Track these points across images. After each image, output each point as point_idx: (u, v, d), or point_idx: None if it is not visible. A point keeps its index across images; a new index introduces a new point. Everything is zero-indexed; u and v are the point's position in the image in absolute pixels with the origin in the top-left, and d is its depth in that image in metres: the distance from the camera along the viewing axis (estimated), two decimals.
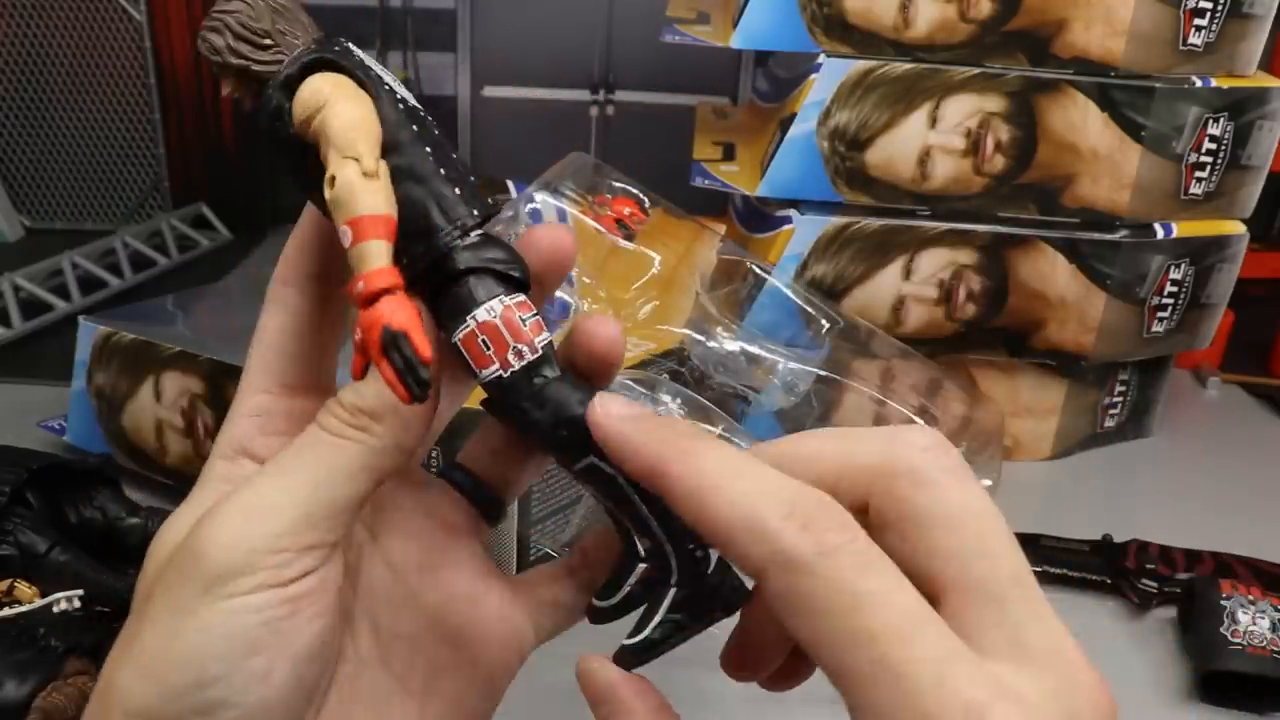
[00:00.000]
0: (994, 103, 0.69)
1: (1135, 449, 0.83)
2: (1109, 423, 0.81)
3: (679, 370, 0.62)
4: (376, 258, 0.25)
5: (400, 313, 0.25)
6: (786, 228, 0.71)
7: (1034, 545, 0.65)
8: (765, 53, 0.98)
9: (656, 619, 0.27)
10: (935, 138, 0.69)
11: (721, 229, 0.73)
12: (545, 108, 1.13)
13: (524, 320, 0.27)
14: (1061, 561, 0.64)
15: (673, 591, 0.27)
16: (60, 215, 1.12)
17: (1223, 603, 0.57)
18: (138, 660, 0.25)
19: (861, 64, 0.68)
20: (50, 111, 1.08)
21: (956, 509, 0.23)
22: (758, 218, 0.75)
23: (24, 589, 0.50)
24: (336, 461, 0.26)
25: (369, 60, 0.27)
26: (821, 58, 0.68)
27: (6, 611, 0.49)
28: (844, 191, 0.71)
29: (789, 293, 0.68)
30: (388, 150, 0.26)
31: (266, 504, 0.25)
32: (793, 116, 0.69)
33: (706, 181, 0.73)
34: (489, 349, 0.26)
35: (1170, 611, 0.62)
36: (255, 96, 0.27)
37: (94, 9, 1.04)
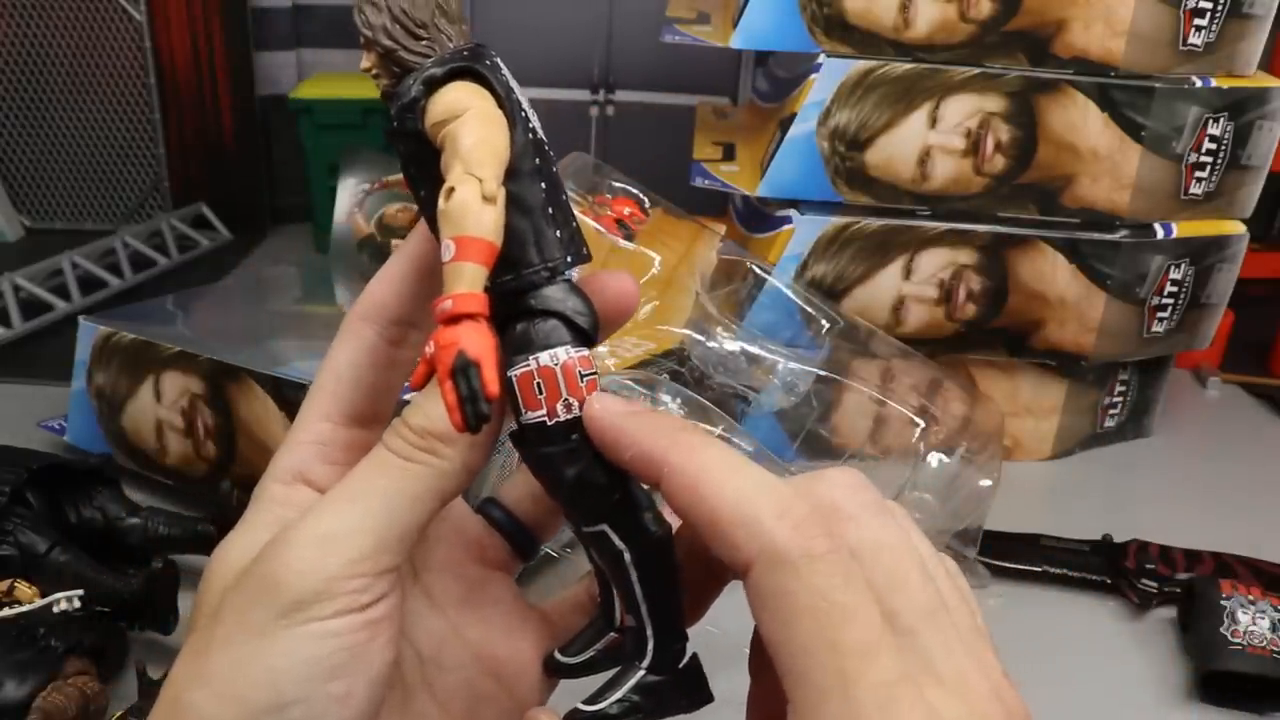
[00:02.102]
0: (994, 103, 0.69)
1: (1135, 449, 0.83)
2: (1109, 423, 0.81)
3: (679, 370, 0.62)
4: (471, 281, 0.24)
5: (478, 342, 0.24)
6: (786, 228, 0.71)
7: (1034, 545, 0.65)
8: (765, 53, 0.98)
9: (617, 695, 0.27)
10: (935, 138, 0.69)
11: (721, 229, 0.73)
12: (545, 108, 1.13)
13: (582, 376, 0.27)
14: (1061, 561, 0.63)
15: (640, 674, 0.27)
16: (60, 215, 1.12)
17: (1223, 603, 0.57)
18: (212, 681, 0.25)
19: (861, 64, 0.68)
20: (50, 111, 1.08)
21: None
22: (758, 218, 0.75)
23: (24, 589, 0.50)
24: (406, 485, 0.26)
25: (512, 81, 0.27)
26: (821, 58, 0.68)
27: (6, 611, 0.49)
28: (844, 191, 0.71)
29: (789, 293, 0.68)
30: (507, 176, 0.25)
31: (342, 530, 0.26)
32: (793, 116, 0.69)
33: (706, 181, 0.73)
34: (541, 393, 0.26)
35: (1170, 611, 0.62)
36: (393, 81, 0.27)
37: (94, 9, 1.04)
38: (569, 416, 0.26)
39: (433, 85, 0.26)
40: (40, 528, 0.53)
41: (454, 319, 0.24)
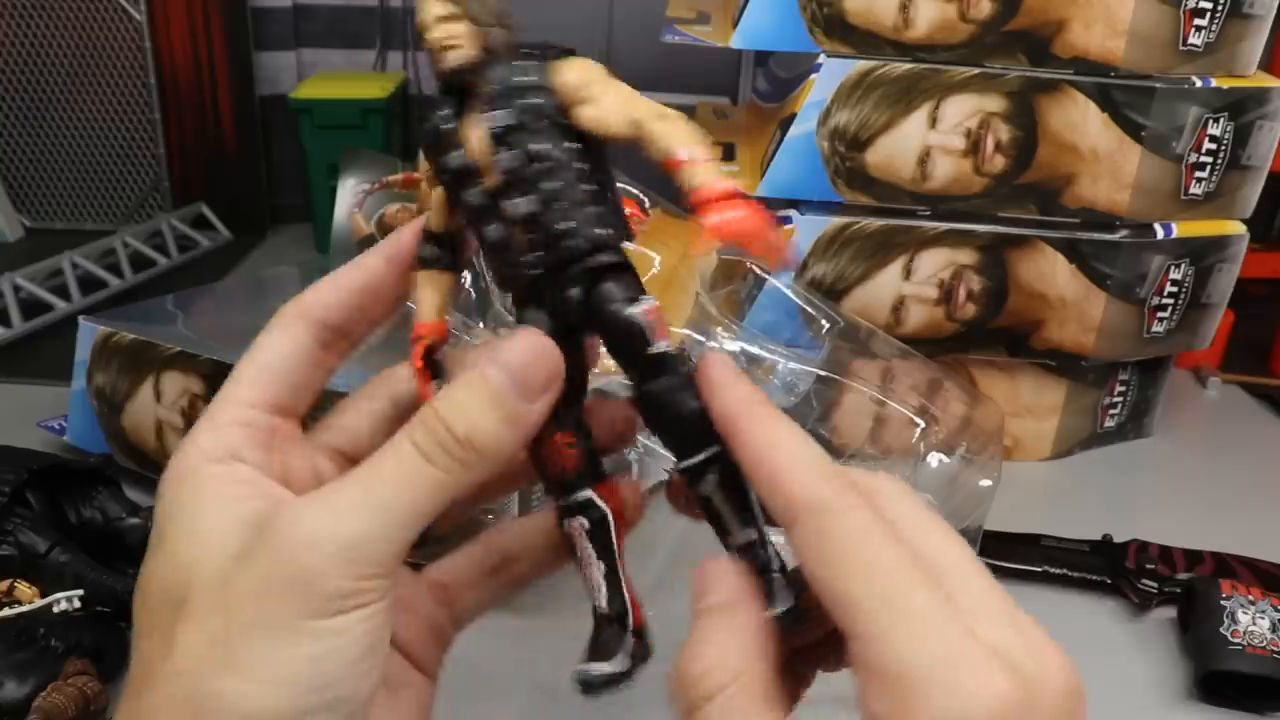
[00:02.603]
0: (994, 103, 0.69)
1: (1135, 449, 0.83)
2: (1109, 423, 0.81)
3: None
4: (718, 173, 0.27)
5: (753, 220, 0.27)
6: (786, 228, 0.71)
7: (1034, 545, 0.65)
8: (765, 53, 0.98)
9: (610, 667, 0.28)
10: (935, 138, 0.69)
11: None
12: None
13: None
14: (1061, 561, 0.63)
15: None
16: (60, 215, 1.12)
17: (1223, 603, 0.57)
18: (247, 668, 0.25)
19: (861, 64, 0.68)
20: (50, 111, 1.08)
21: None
22: None
23: (24, 589, 0.50)
24: (433, 489, 0.27)
25: None
26: (821, 58, 0.68)
27: (6, 611, 0.49)
28: (844, 191, 0.71)
29: (789, 293, 0.68)
30: None
31: (369, 536, 0.26)
32: (793, 116, 0.69)
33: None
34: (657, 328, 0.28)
35: (1170, 611, 0.62)
36: (477, 58, 0.27)
37: (94, 9, 1.04)
38: (680, 350, 0.28)
39: (551, 60, 0.28)
40: (40, 528, 0.53)
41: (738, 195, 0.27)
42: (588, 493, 0.29)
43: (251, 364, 0.29)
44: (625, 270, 0.28)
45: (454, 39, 0.27)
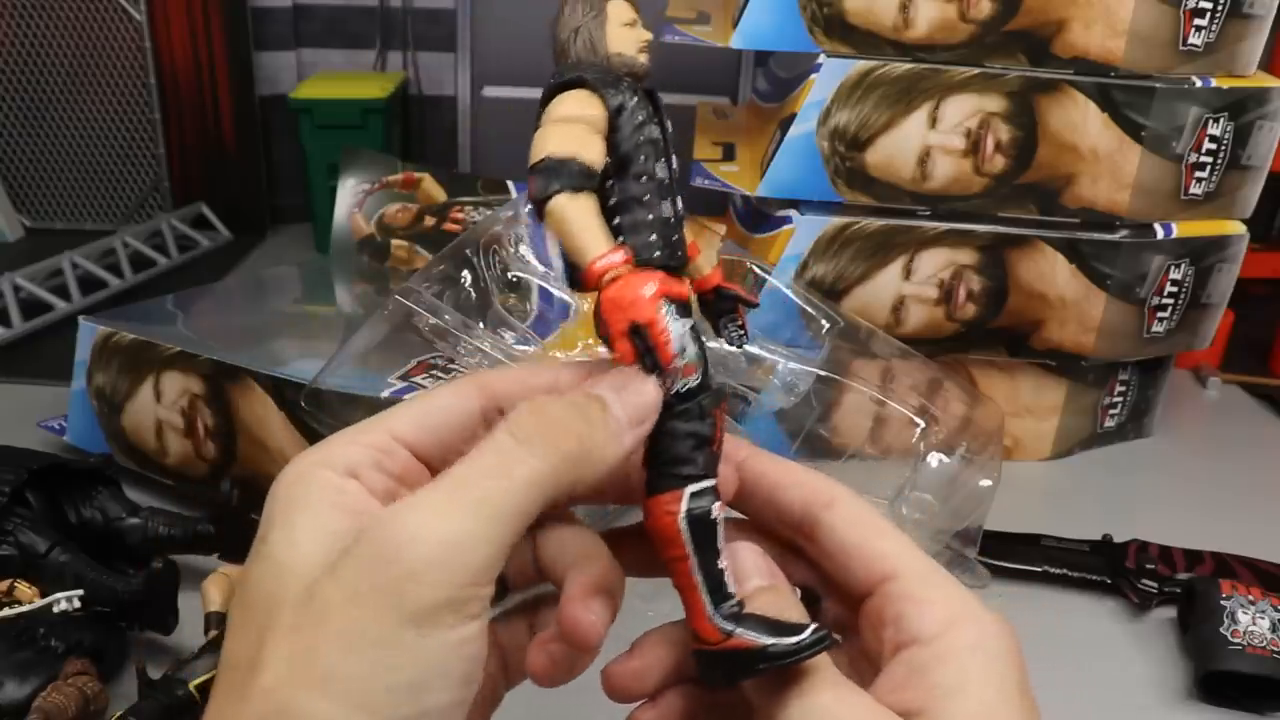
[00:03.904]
0: (994, 103, 0.69)
1: (1135, 449, 0.83)
2: (1109, 423, 0.81)
3: None
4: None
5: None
6: (786, 228, 0.71)
7: (1034, 545, 0.65)
8: (765, 53, 0.98)
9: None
10: (935, 138, 0.69)
11: (721, 229, 0.73)
12: None
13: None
14: (1061, 561, 0.63)
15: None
16: (60, 215, 1.12)
17: (1223, 603, 0.57)
18: (334, 687, 0.24)
19: (861, 64, 0.68)
20: (50, 111, 1.08)
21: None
22: (758, 218, 0.75)
23: (24, 589, 0.50)
24: (530, 478, 0.26)
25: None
26: (821, 58, 0.68)
27: (6, 611, 0.49)
28: (844, 191, 0.71)
29: (789, 293, 0.68)
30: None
31: (470, 538, 0.25)
32: (793, 116, 0.69)
33: (706, 181, 0.73)
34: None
35: (1170, 611, 0.62)
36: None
37: (94, 9, 1.04)
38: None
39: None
40: (40, 528, 0.53)
41: None
42: (715, 481, 0.28)
43: (412, 404, 0.29)
44: None
45: (648, 43, 0.29)
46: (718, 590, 0.28)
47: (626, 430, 0.27)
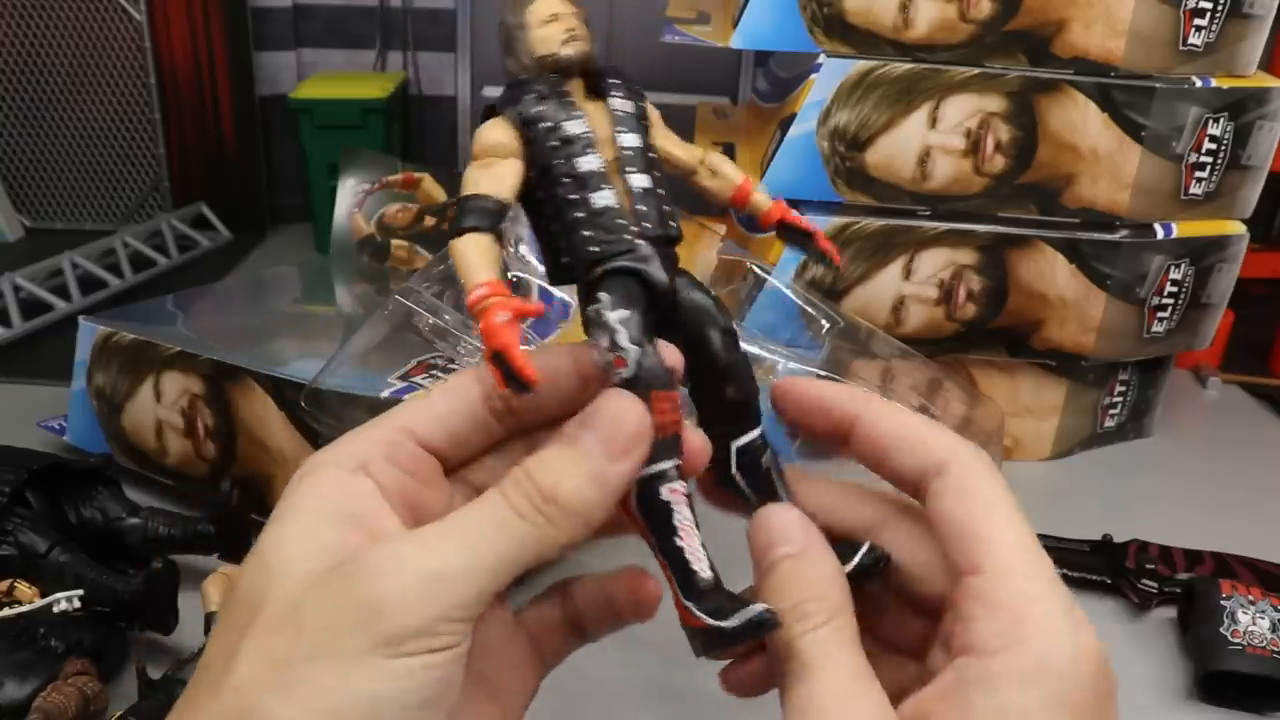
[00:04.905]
0: (994, 103, 0.69)
1: (1135, 449, 0.83)
2: (1109, 423, 0.81)
3: None
4: None
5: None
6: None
7: None
8: (765, 53, 0.98)
9: None
10: (935, 138, 0.69)
11: (721, 229, 0.73)
12: None
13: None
14: (1061, 561, 0.64)
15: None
16: (60, 215, 1.12)
17: (1223, 603, 0.57)
18: (300, 696, 0.25)
19: (861, 64, 0.68)
20: (50, 111, 1.08)
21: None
22: None
23: (24, 589, 0.50)
24: (516, 544, 0.26)
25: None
26: (821, 58, 0.68)
27: (6, 611, 0.49)
28: (844, 191, 0.71)
29: (789, 293, 0.68)
30: None
31: (451, 575, 0.26)
32: (793, 116, 0.69)
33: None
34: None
35: (1170, 611, 0.62)
36: (591, 55, 0.30)
37: (94, 9, 1.04)
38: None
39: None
40: (40, 528, 0.53)
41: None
42: (675, 461, 0.29)
43: (420, 400, 0.30)
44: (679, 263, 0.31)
45: (577, 31, 0.30)
46: (680, 569, 0.29)
47: (611, 470, 0.27)
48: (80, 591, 0.50)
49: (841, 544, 0.30)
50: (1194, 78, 0.70)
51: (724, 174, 0.33)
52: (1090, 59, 0.69)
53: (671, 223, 0.30)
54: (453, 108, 1.16)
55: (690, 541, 0.29)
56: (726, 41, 0.69)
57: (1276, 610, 0.56)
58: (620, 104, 0.30)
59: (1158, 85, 0.69)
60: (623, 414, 0.27)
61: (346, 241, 0.93)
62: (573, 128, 0.29)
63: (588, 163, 0.29)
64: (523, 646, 0.32)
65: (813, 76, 0.68)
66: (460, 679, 0.26)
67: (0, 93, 1.07)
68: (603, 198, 0.29)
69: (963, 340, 0.74)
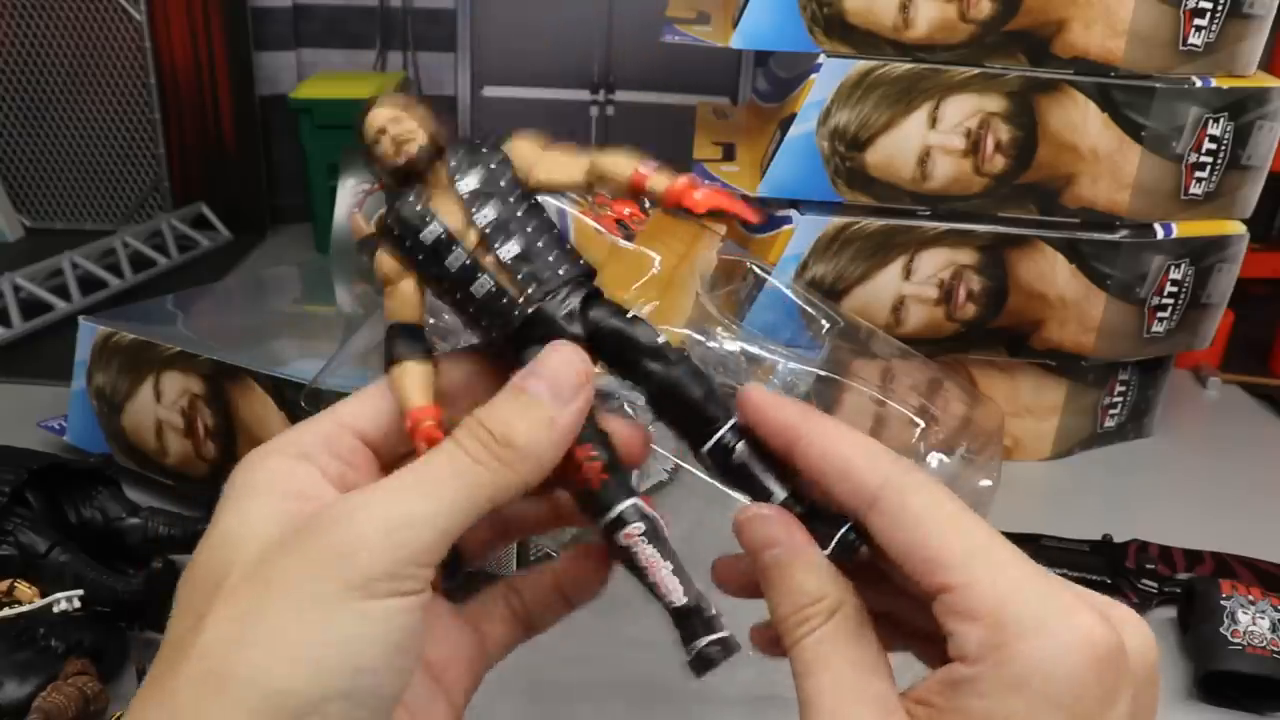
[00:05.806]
0: (994, 103, 0.69)
1: (1135, 449, 0.83)
2: (1109, 423, 0.81)
3: None
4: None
5: None
6: (786, 228, 0.71)
7: (1034, 545, 0.65)
8: (765, 53, 0.98)
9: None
10: (935, 138, 0.69)
11: (722, 229, 0.73)
12: (545, 108, 1.13)
13: None
14: (1061, 561, 0.64)
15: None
16: (60, 215, 1.12)
17: (1223, 603, 0.57)
18: (274, 644, 0.25)
19: (861, 64, 0.68)
20: (50, 111, 1.08)
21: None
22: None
23: (24, 589, 0.50)
24: (475, 488, 0.27)
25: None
26: (821, 58, 0.68)
27: (6, 611, 0.49)
28: (844, 191, 0.71)
29: (789, 293, 0.68)
30: None
31: (414, 520, 0.27)
32: (793, 116, 0.69)
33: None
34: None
35: (1170, 611, 0.62)
36: (431, 149, 0.31)
37: (94, 9, 1.04)
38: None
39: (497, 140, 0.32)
40: (40, 528, 0.53)
41: None
42: (630, 501, 0.30)
43: (356, 395, 0.31)
44: (602, 295, 0.32)
45: (410, 134, 0.30)
46: (659, 600, 0.30)
47: (559, 412, 0.28)
48: (80, 591, 0.50)
49: (828, 522, 0.30)
50: (1194, 78, 0.70)
51: (611, 174, 0.32)
52: (1090, 59, 0.69)
53: (565, 265, 0.31)
54: (453, 108, 1.16)
55: (658, 575, 0.30)
56: (726, 41, 0.69)
57: (1276, 610, 0.56)
58: (467, 182, 0.30)
59: (1158, 85, 0.69)
60: (566, 362, 0.29)
61: (346, 241, 0.93)
62: (429, 234, 0.30)
63: (455, 259, 0.30)
64: (464, 637, 0.33)
65: (813, 76, 0.68)
66: (423, 630, 0.27)
67: (0, 93, 1.07)
68: (480, 286, 0.30)
69: (963, 340, 0.74)
